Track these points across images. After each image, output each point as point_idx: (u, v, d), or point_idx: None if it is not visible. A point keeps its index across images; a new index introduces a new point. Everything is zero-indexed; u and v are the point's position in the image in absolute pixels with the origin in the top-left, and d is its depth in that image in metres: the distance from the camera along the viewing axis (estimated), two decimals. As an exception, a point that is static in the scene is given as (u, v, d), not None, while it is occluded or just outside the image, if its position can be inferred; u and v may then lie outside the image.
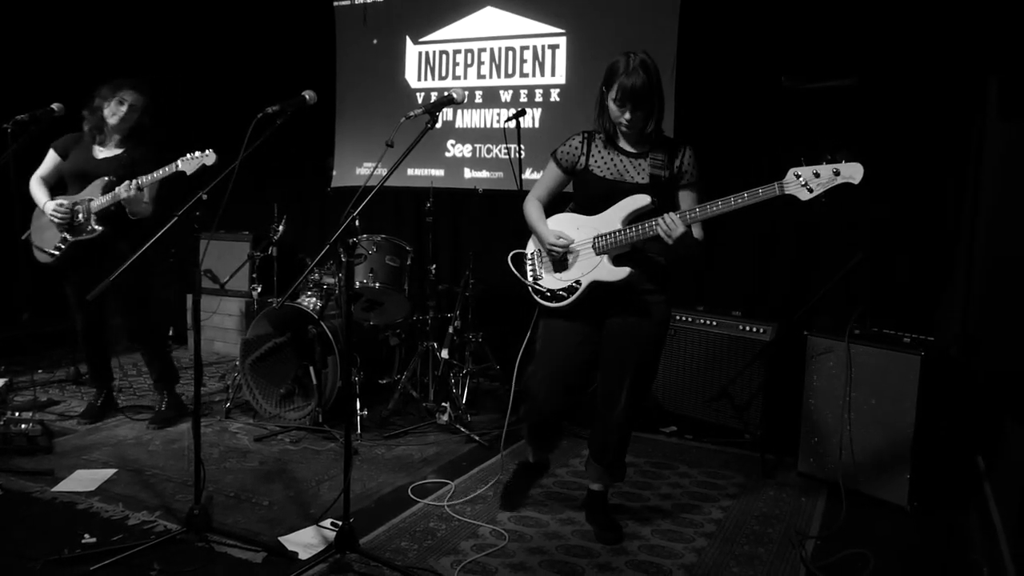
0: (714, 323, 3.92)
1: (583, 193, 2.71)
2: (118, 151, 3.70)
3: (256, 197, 5.14)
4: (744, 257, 4.30)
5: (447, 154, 5.09)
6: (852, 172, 2.24)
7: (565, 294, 2.65)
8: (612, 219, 2.59)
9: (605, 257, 2.60)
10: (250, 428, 3.85)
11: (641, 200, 2.55)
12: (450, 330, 4.17)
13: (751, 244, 4.26)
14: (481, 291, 4.38)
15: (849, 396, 3.20)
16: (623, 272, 2.56)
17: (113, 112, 3.63)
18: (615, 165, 2.63)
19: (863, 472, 3.17)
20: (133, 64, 4.71)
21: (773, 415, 3.71)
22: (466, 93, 2.68)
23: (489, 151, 4.97)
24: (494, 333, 4.41)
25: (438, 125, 4.76)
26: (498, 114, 4.89)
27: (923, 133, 3.75)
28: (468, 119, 5.02)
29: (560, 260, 2.69)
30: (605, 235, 2.59)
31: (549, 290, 2.69)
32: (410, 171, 5.15)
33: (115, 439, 3.66)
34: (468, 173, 5.04)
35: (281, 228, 4.33)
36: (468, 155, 5.03)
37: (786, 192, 2.31)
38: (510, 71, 4.87)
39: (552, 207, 2.82)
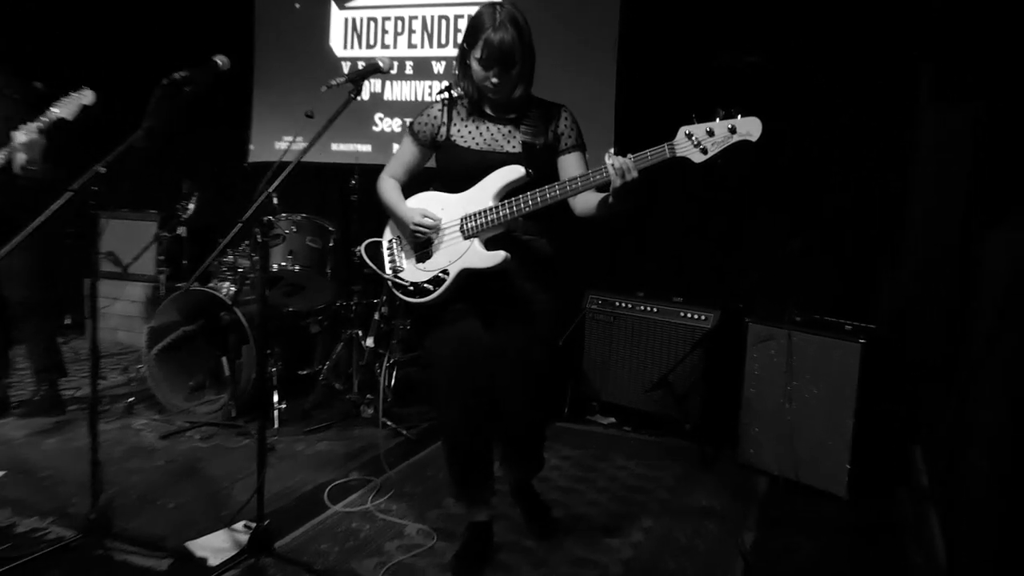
0: (655, 309, 3.96)
1: (447, 168, 2.57)
2: None
3: (164, 172, 5.01)
4: (685, 241, 4.38)
5: (375, 128, 5.04)
6: (749, 128, 2.12)
7: (431, 287, 2.47)
8: (481, 196, 2.43)
9: (475, 241, 2.42)
10: (156, 424, 3.76)
11: (514, 172, 2.40)
12: (376, 316, 4.10)
13: (691, 228, 4.34)
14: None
15: (790, 384, 3.27)
16: (497, 256, 2.39)
17: None
18: (482, 134, 2.51)
19: (803, 462, 3.24)
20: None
21: (713, 405, 3.77)
22: (394, 63, 2.63)
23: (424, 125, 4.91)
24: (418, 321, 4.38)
25: (363, 96, 4.72)
26: (430, 87, 4.85)
27: (868, 115, 3.87)
28: (398, 91, 4.97)
29: (423, 247, 2.53)
30: (474, 215, 2.43)
31: (412, 283, 2.51)
32: (334, 146, 5.09)
33: (3, 438, 3.53)
34: (397, 149, 4.97)
35: (191, 206, 4.22)
36: (398, 129, 4.99)
37: (677, 154, 2.18)
38: (443, 41, 4.81)
39: (414, 188, 2.65)
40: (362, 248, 2.67)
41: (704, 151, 2.15)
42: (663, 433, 3.86)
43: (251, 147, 5.36)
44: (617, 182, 2.23)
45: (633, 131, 4.37)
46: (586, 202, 2.47)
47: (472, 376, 2.48)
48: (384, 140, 5.03)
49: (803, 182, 4.02)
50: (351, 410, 3.99)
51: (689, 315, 3.86)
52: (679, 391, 3.81)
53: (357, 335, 4.16)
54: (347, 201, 4.34)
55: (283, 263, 3.93)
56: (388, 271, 2.57)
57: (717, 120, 2.14)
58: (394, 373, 4.11)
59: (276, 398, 3.82)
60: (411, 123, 2.64)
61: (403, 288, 2.52)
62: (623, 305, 4.07)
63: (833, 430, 3.17)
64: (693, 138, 2.15)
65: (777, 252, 3.96)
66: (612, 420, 4.05)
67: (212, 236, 4.77)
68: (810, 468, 3.23)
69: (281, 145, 5.24)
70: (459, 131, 2.53)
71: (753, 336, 3.44)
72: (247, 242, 4.05)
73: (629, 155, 2.21)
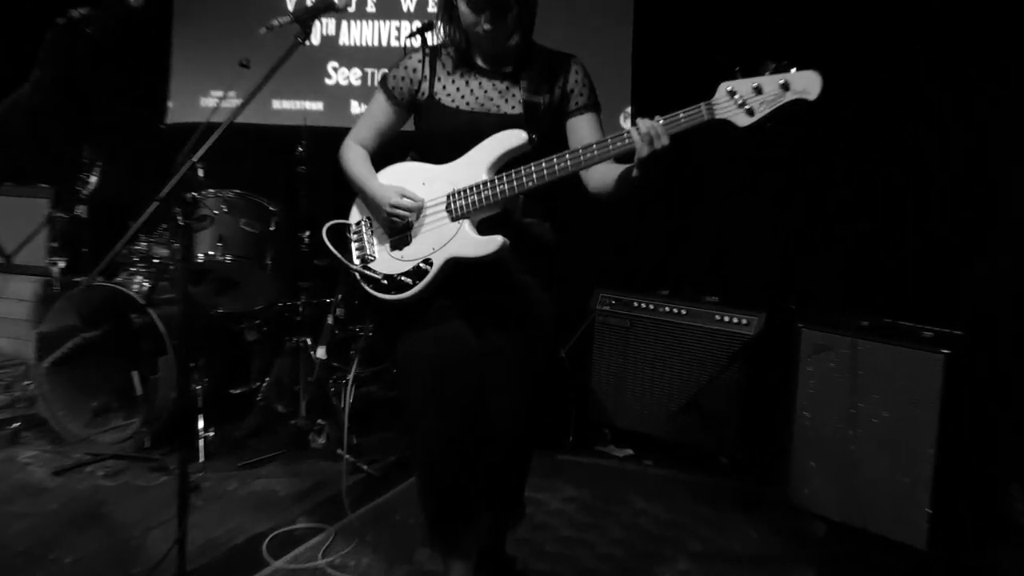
0: (682, 311, 3.95)
1: (430, 134, 2.56)
2: None
3: (59, 136, 4.94)
4: (720, 225, 4.36)
5: (328, 81, 5.02)
6: (806, 84, 2.08)
7: (410, 280, 2.44)
8: (473, 168, 2.42)
9: (465, 223, 2.41)
10: (48, 457, 3.72)
11: (514, 138, 2.38)
12: (330, 320, 4.06)
13: (729, 208, 4.33)
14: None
15: (854, 406, 3.26)
16: (492, 243, 2.36)
17: None
18: (472, 91, 2.51)
19: (871, 504, 3.22)
20: None
21: (757, 432, 3.76)
22: (353, -1, 2.58)
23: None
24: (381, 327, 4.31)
25: (313, 41, 4.69)
26: (397, 28, 4.86)
27: (967, 64, 3.80)
28: (357, 34, 4.98)
29: (400, 232, 2.51)
30: (464, 191, 2.42)
31: (386, 276, 2.49)
32: (276, 104, 5.08)
33: None
34: (357, 107, 5.00)
35: (93, 180, 4.18)
36: (357, 83, 4.96)
37: (717, 116, 2.16)
38: (414, -29, 5.01)
39: (384, 159, 2.64)
40: (324, 232, 2.62)
41: (750, 112, 2.12)
42: (693, 468, 3.84)
43: (170, 104, 5.36)
44: (644, 151, 2.20)
45: (654, 86, 4.39)
46: (602, 176, 2.44)
47: (456, 390, 2.45)
48: (339, 96, 4.99)
49: (871, 150, 4.01)
50: (297, 439, 3.97)
51: (726, 318, 3.84)
52: (714, 415, 3.81)
53: (305, 344, 4.12)
54: (293, 174, 4.28)
55: (211, 252, 3.91)
56: (355, 261, 2.55)
57: (766, 74, 2.11)
58: (352, 392, 4.00)
59: (202, 424, 3.80)
60: (384, 77, 2.63)
61: (375, 282, 2.50)
62: (642, 306, 4.05)
63: (909, 464, 3.14)
64: (737, 96, 2.13)
65: (837, 239, 3.97)
66: (629, 451, 4.03)
67: (120, 217, 4.66)
68: (880, 512, 3.20)
69: (208, 102, 5.23)
70: (444, 87, 2.52)
71: (807, 345, 3.42)
72: (165, 226, 4.02)
73: (658, 117, 2.19)
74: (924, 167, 3.93)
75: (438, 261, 2.41)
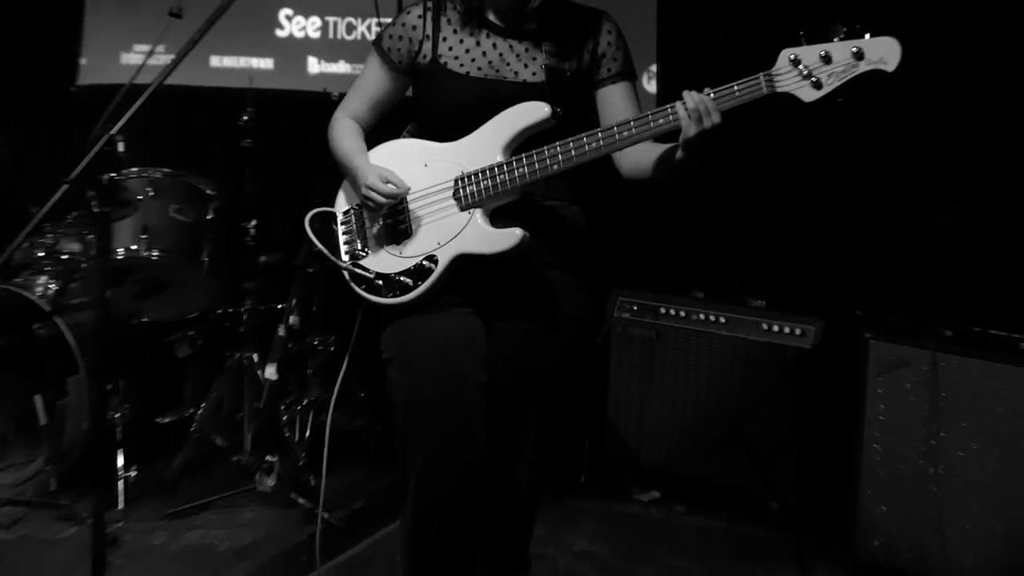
0: (721, 319, 3.94)
1: (433, 105, 2.61)
2: None
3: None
4: (767, 213, 4.39)
5: (279, 33, 5.04)
6: (883, 52, 2.14)
7: (410, 281, 2.49)
8: (486, 147, 2.46)
9: (477, 212, 2.46)
10: (-72, 502, 3.77)
11: (535, 111, 2.42)
12: (281, 332, 4.05)
13: (778, 193, 4.37)
14: (334, 265, 4.28)
15: (936, 436, 3.26)
16: (509, 237, 2.40)
17: None
18: (485, 54, 2.54)
19: (960, 560, 3.22)
20: None
21: (814, 469, 3.75)
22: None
23: (351, 28, 4.96)
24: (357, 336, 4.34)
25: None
26: (373, -35, 4.91)
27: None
28: (318, -27, 5.21)
29: (398, 223, 2.56)
30: (475, 175, 2.46)
31: (381, 275, 2.53)
32: (215, 61, 5.08)
33: None
34: (315, 65, 5.04)
35: (-20, 155, 4.17)
36: (315, 35, 4.99)
37: (778, 88, 2.24)
38: None
39: (379, 134, 2.69)
40: (307, 222, 2.63)
41: (817, 84, 2.19)
42: (737, 516, 3.85)
43: (82, 62, 5.34)
44: (691, 129, 2.24)
45: (684, 42, 4.45)
46: (640, 158, 2.50)
47: (465, 405, 2.45)
48: (293, 52, 5.02)
49: (955, 128, 4.03)
50: (241, 479, 3.96)
51: (776, 328, 3.85)
52: (761, 449, 3.81)
53: (250, 361, 4.11)
54: (236, 148, 4.26)
55: (134, 247, 3.92)
56: (344, 257, 2.59)
57: (835, 40, 2.18)
58: (310, 421, 4.07)
59: (121, 461, 3.77)
60: (378, 37, 2.68)
61: (367, 283, 2.53)
62: (671, 312, 4.04)
63: (1007, 508, 3.14)
64: (801, 66, 2.20)
65: (913, 230, 4.02)
66: (655, 495, 4.05)
67: (20, 204, 4.68)
68: (969, 571, 3.20)
69: (130, 59, 5.23)
70: (451, 49, 2.55)
71: (877, 360, 3.44)
72: (76, 213, 4.03)
73: (707, 90, 2.23)
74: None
75: (444, 258, 2.45)
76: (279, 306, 4.19)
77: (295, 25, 5.05)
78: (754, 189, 4.43)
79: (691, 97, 2.26)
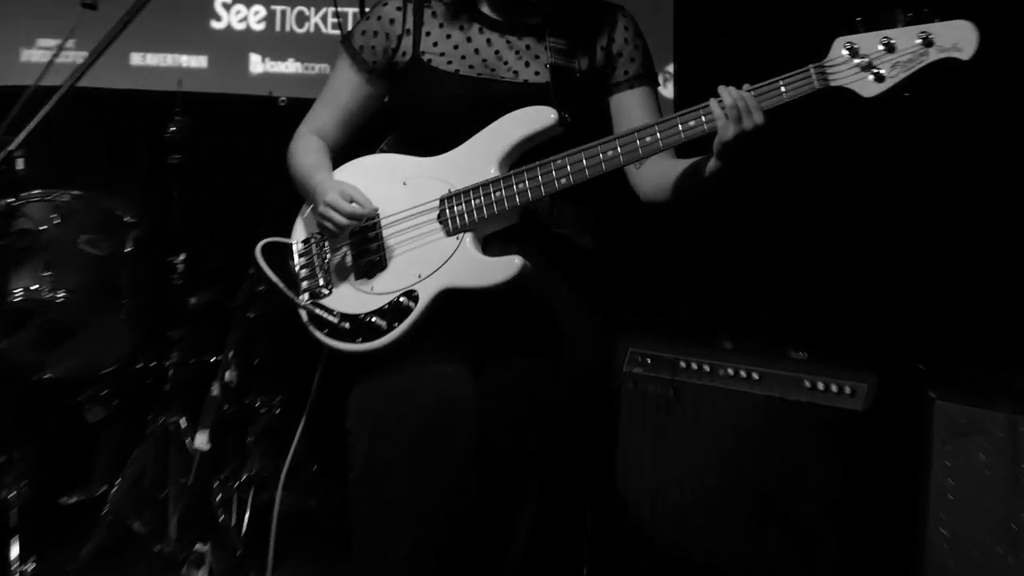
0: (754, 375, 3.91)
1: (415, 111, 2.67)
2: None
3: None
4: (806, 243, 4.44)
5: (215, 25, 5.17)
6: (956, 38, 2.21)
7: (383, 323, 2.52)
8: (478, 160, 2.52)
9: (467, 238, 2.51)
10: None
11: (539, 117, 2.48)
12: (215, 391, 4.08)
13: (820, 216, 4.42)
14: (283, 307, 4.31)
15: (1017, 518, 3.26)
16: (507, 267, 2.42)
17: None
18: (478, 51, 2.63)
19: None
20: None
21: (866, 557, 3.70)
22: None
23: (302, 20, 5.10)
24: (308, 395, 4.35)
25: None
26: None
27: None
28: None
29: (369, 251, 2.59)
30: (466, 193, 2.51)
31: (347, 316, 2.57)
32: (137, 59, 5.17)
33: None
34: (258, 64, 5.17)
35: None
36: (259, 26, 5.15)
37: (832, 83, 2.31)
38: None
39: (352, 150, 2.75)
40: (257, 252, 2.65)
41: (879, 77, 2.27)
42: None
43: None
44: (729, 131, 2.30)
45: (705, 37, 4.48)
46: (662, 173, 2.54)
47: (447, 474, 2.44)
48: (232, 48, 5.13)
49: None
50: (164, 574, 3.87)
51: (821, 385, 3.78)
52: (804, 533, 3.75)
53: (177, 427, 4.07)
54: (162, 165, 4.25)
55: (34, 287, 3.85)
56: (303, 295, 2.62)
57: (899, 26, 2.26)
58: (250, 501, 4.05)
59: (17, 551, 3.71)
60: (348, 35, 2.74)
61: (329, 327, 2.57)
62: (692, 366, 4.00)
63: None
64: (860, 56, 2.28)
65: (985, 261, 4.02)
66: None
67: None
68: None
69: (33, 57, 5.29)
70: (436, 44, 2.64)
71: (944, 425, 3.43)
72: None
73: (747, 86, 2.28)
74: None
75: (427, 293, 2.50)
76: (213, 359, 4.21)
77: (234, 15, 5.11)
78: (789, 210, 4.47)
79: (728, 93, 2.30)
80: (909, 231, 4.23)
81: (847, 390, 3.80)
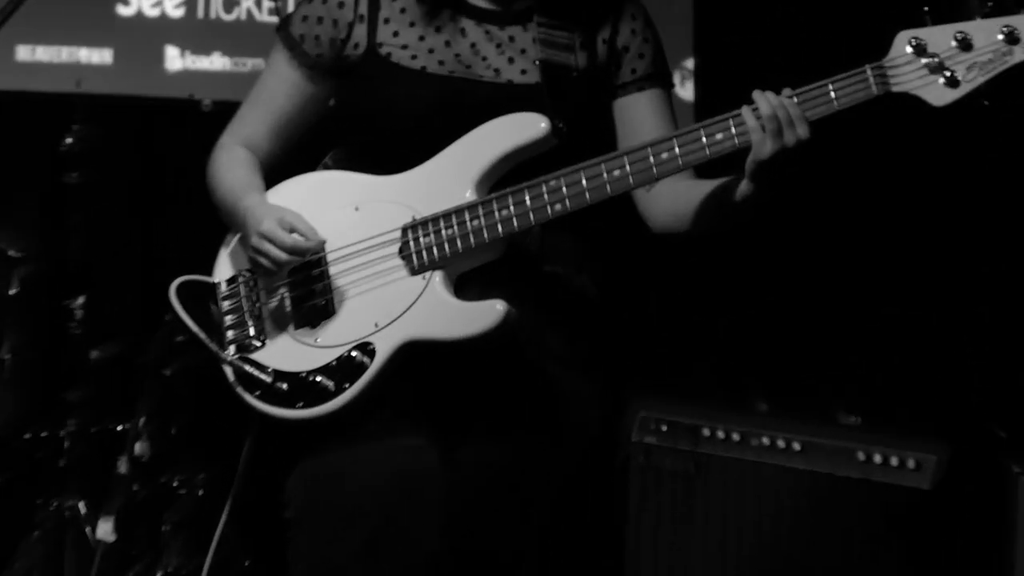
0: (795, 445, 3.90)
1: (369, 118, 2.64)
2: None
3: None
4: (855, 287, 4.45)
5: (122, 10, 5.16)
6: None
7: (331, 383, 2.47)
8: (449, 178, 2.51)
9: (436, 277, 2.48)
10: None
11: (527, 126, 2.45)
12: (123, 468, 4.04)
13: (876, 253, 4.43)
14: (206, 362, 4.34)
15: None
16: (488, 314, 2.38)
17: None
18: (450, 44, 2.62)
19: None
20: None
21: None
22: None
23: (230, 5, 5.17)
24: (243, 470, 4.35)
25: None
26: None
27: None
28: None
29: (312, 293, 2.56)
30: (434, 221, 2.48)
31: (284, 374, 2.50)
32: (24, 53, 5.19)
33: None
34: (176, 59, 5.21)
35: None
36: (176, 12, 5.15)
37: (894, 88, 2.28)
38: None
39: (290, 166, 2.69)
40: (172, 293, 2.58)
41: (952, 81, 2.24)
42: None
43: None
44: (767, 146, 2.22)
45: (729, 28, 4.48)
46: (681, 197, 2.48)
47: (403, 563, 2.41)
48: (143, 39, 5.14)
49: None
50: None
51: (879, 458, 3.79)
52: None
53: (76, 512, 4.12)
54: (56, 186, 4.31)
55: None
56: (229, 348, 2.57)
57: (976, 18, 2.24)
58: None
59: None
60: (285, 21, 2.67)
61: (263, 387, 2.49)
62: (719, 435, 4.01)
63: None
64: (928, 54, 2.26)
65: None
66: None
67: None
68: None
69: None
70: (396, 35, 2.62)
71: None
72: None
73: (787, 91, 2.25)
74: None
75: (385, 346, 2.45)
76: (120, 427, 4.22)
77: (143, 1, 5.13)
78: (835, 237, 4.50)
79: (766, 100, 2.21)
80: (987, 272, 4.24)
81: (911, 463, 3.81)
